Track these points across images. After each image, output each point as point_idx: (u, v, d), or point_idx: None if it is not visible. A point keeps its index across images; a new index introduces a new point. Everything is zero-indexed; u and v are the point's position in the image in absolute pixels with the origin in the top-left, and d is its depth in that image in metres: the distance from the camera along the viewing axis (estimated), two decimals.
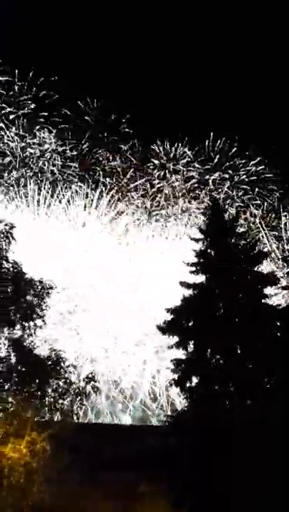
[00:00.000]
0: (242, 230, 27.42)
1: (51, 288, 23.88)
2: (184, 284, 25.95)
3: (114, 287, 43.11)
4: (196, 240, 26.86)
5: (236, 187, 48.90)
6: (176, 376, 25.34)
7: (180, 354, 26.00)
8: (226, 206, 35.45)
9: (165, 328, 25.74)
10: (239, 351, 24.82)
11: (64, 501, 21.69)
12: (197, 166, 49.30)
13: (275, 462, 22.14)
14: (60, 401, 22.86)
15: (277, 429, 22.22)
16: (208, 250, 26.48)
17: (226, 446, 22.64)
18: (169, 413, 32.70)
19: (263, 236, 42.84)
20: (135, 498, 23.42)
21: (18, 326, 23.36)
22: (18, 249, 24.04)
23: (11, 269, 23.32)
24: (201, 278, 26.15)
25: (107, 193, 47.49)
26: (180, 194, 48.42)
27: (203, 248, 26.57)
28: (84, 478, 22.90)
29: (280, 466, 22.01)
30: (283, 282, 27.40)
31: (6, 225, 23.41)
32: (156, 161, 49.47)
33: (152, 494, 23.32)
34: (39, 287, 23.79)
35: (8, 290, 23.18)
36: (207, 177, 49.07)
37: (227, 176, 49.25)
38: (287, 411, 22.56)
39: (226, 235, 26.40)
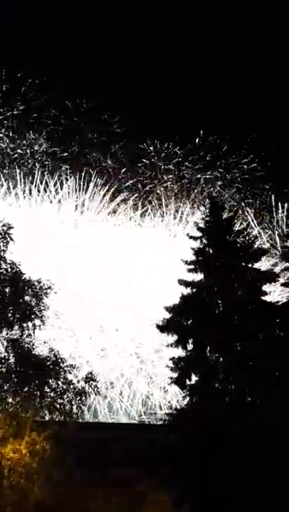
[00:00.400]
0: (240, 227, 27.43)
1: (49, 288, 23.76)
2: (183, 282, 26.02)
3: (108, 284, 43.12)
4: (195, 238, 26.91)
5: (228, 186, 49.07)
6: (175, 374, 25.40)
7: (177, 352, 26.07)
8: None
9: (164, 327, 25.80)
10: (238, 349, 24.94)
11: (66, 501, 21.63)
12: (188, 165, 49.36)
13: (276, 459, 22.27)
14: (60, 401, 22.79)
15: (276, 426, 22.33)
16: (207, 248, 26.57)
17: (227, 444, 22.75)
18: (167, 411, 32.70)
19: (257, 234, 43.27)
20: (137, 495, 23.39)
21: (16, 327, 23.27)
22: (15, 249, 23.97)
23: (9, 269, 23.24)
24: (199, 276, 26.25)
25: (99, 193, 47.45)
26: (172, 193, 48.47)
27: (201, 246, 26.66)
28: (85, 477, 22.85)
29: (280, 463, 22.14)
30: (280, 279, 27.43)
31: (3, 225, 23.28)
32: (146, 161, 49.46)
33: (154, 492, 23.31)
34: (37, 287, 23.69)
35: (6, 291, 23.12)
36: (198, 176, 49.15)
37: (219, 174, 49.37)
38: (286, 408, 22.66)
39: (224, 232, 26.50)
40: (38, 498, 20.77)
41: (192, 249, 26.64)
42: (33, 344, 23.28)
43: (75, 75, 50.86)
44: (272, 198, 48.37)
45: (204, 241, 26.62)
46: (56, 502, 21.09)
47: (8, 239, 23.37)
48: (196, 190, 48.21)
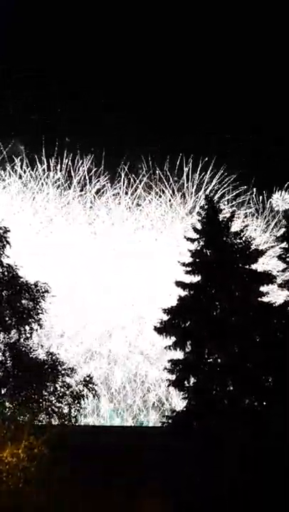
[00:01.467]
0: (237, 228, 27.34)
1: (46, 291, 23.69)
2: (180, 284, 25.95)
3: (99, 286, 43.15)
4: (192, 240, 26.87)
5: (215, 190, 49.05)
6: (173, 377, 25.31)
7: (173, 354, 26.02)
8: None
9: (162, 329, 25.71)
10: (236, 350, 24.86)
11: (64, 504, 21.56)
12: (171, 166, 49.26)
13: (275, 463, 22.20)
14: (58, 404, 22.71)
15: (277, 429, 22.27)
16: (204, 250, 26.52)
17: (226, 447, 22.69)
18: (160, 413, 32.67)
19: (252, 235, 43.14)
20: (135, 499, 23.33)
21: (13, 330, 23.21)
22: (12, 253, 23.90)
23: (6, 273, 23.17)
24: (196, 278, 26.18)
25: (81, 196, 47.44)
26: (156, 197, 48.46)
27: (198, 248, 26.61)
28: (83, 480, 22.78)
29: (280, 469, 22.07)
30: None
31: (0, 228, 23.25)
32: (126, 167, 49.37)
33: (152, 496, 23.24)
34: (34, 291, 23.62)
35: (3, 294, 23.06)
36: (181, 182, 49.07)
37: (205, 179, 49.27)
38: (286, 410, 22.61)
39: (221, 234, 26.44)
40: (37, 502, 20.70)
41: (189, 250, 26.61)
42: (31, 348, 23.23)
43: (54, 81, 50.90)
44: (256, 195, 48.60)
45: (201, 242, 26.62)
46: (54, 507, 21.02)
47: (5, 242, 23.37)
48: (179, 193, 48.13)
